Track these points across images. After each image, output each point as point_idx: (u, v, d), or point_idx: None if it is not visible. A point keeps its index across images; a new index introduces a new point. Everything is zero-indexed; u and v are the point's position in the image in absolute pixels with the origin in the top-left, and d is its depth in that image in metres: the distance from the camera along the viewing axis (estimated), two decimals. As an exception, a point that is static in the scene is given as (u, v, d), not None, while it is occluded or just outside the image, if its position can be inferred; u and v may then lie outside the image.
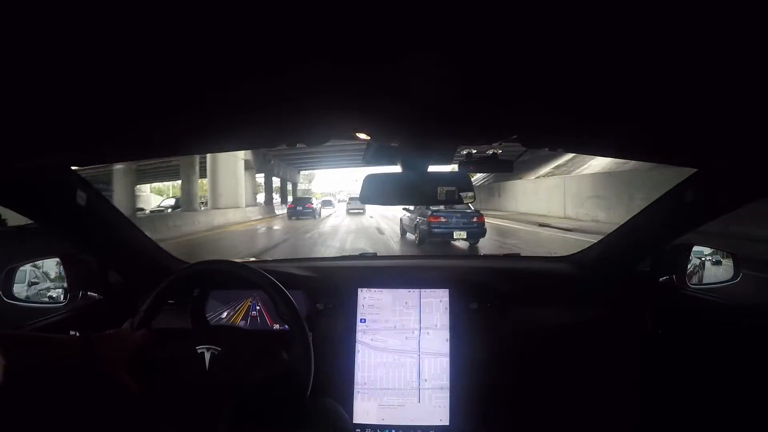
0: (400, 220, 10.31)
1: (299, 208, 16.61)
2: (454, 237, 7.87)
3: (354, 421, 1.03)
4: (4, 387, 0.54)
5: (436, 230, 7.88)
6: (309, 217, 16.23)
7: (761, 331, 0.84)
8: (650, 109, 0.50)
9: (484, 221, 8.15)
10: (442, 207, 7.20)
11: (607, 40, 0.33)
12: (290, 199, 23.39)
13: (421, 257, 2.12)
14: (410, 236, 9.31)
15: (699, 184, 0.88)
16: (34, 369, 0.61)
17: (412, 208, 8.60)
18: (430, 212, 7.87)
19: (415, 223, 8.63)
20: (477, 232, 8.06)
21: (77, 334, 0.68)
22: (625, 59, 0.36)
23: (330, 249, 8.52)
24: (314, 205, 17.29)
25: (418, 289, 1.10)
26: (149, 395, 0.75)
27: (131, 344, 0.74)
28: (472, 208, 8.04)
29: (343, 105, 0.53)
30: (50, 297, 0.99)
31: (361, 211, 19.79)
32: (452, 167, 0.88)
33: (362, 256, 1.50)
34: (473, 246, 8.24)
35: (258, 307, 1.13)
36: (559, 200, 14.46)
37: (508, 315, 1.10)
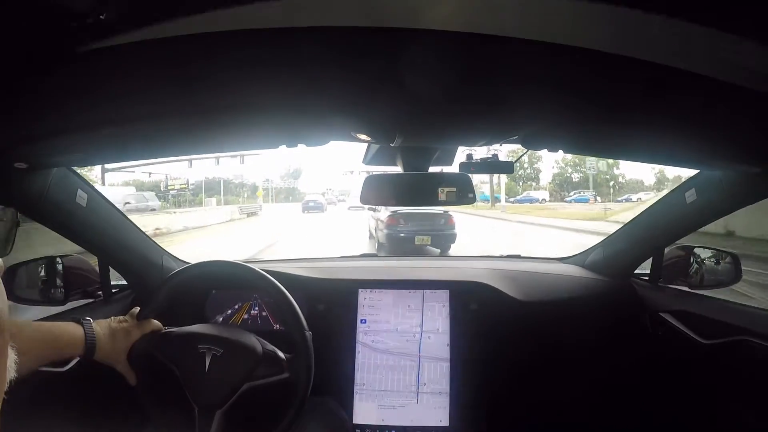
0: (368, 221, 8.37)
1: (311, 204, 21.13)
2: (416, 242, 6.36)
3: (354, 422, 1.03)
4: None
5: (394, 234, 6.45)
6: (318, 210, 20.05)
7: (761, 334, 0.84)
8: (651, 110, 0.50)
9: (454, 224, 6.69)
10: (408, 208, 5.81)
11: (605, 39, 0.33)
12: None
13: (421, 258, 2.14)
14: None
15: (700, 186, 0.88)
16: (36, 356, 0.61)
17: (376, 207, 6.88)
18: (389, 213, 6.44)
19: (376, 226, 7.13)
20: (445, 236, 6.57)
21: (81, 321, 0.69)
22: (624, 60, 0.36)
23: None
24: (322, 202, 22.10)
25: (421, 291, 1.10)
26: (147, 387, 0.76)
27: (132, 335, 0.75)
28: (442, 210, 6.50)
29: (343, 106, 0.53)
30: (50, 297, 0.98)
31: (362, 208, 20.60)
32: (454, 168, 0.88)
33: (363, 256, 1.50)
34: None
35: (259, 307, 1.13)
36: None
37: (508, 316, 1.10)
